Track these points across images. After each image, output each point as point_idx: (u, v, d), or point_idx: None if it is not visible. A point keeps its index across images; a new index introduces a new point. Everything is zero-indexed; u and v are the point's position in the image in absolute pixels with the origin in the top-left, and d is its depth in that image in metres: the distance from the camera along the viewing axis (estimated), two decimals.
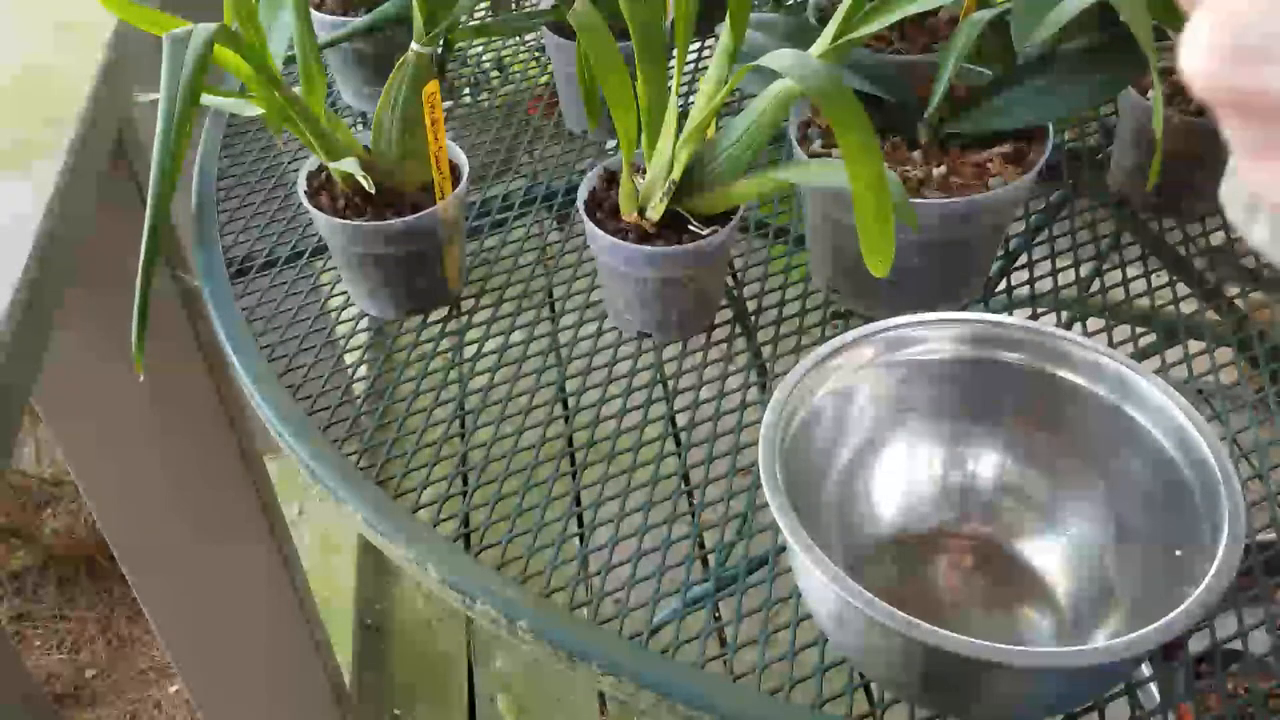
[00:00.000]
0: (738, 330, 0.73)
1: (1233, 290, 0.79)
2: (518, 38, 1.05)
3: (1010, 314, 0.61)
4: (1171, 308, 0.74)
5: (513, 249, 0.80)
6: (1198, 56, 0.23)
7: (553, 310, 0.75)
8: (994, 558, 0.55)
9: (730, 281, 0.77)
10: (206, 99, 0.63)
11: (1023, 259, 0.77)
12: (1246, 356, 0.70)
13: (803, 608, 0.55)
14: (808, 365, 0.52)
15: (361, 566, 1.47)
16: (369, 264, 0.70)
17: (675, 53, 0.62)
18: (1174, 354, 0.70)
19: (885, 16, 0.57)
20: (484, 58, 1.04)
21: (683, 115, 0.63)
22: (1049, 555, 0.54)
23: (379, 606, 1.51)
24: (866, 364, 0.54)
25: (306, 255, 0.79)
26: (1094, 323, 0.72)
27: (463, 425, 0.69)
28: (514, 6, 1.09)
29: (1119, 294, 0.74)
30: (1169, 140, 0.75)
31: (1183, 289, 0.76)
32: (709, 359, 0.70)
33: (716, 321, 0.72)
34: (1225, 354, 0.70)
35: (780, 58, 0.52)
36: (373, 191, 0.65)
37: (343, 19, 0.86)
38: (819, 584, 0.45)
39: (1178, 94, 0.75)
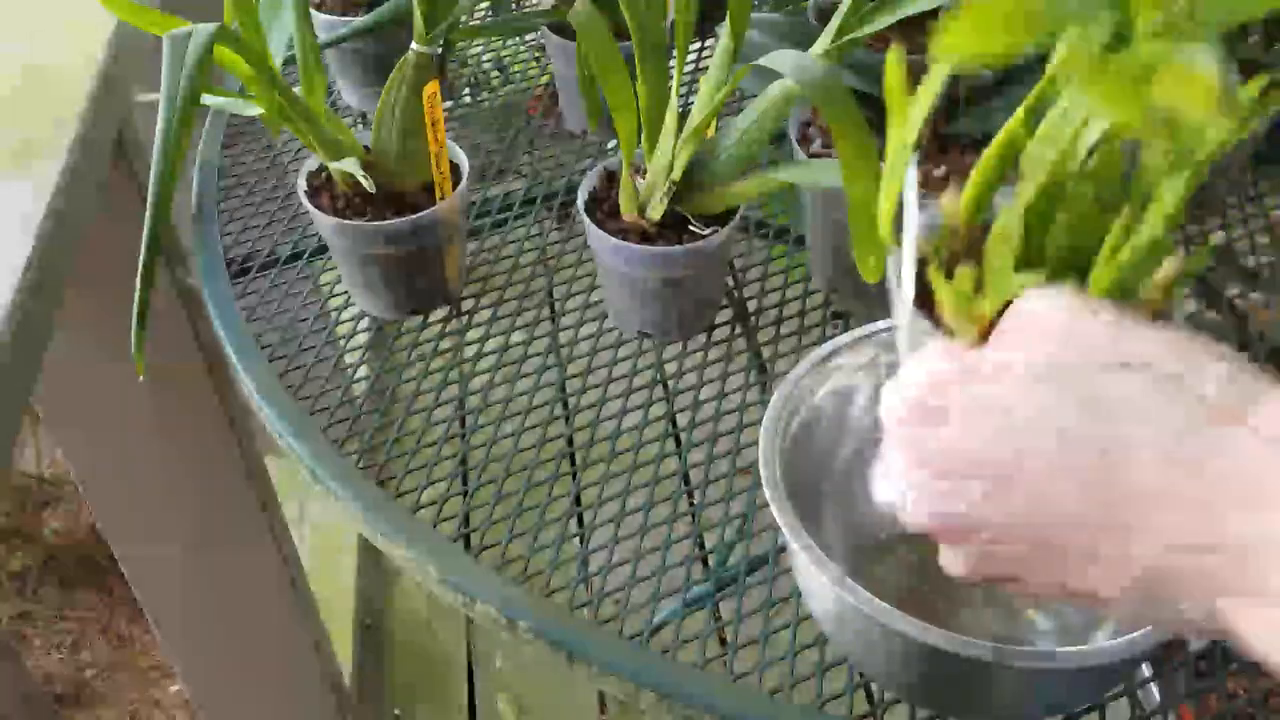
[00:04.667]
0: (738, 330, 0.73)
1: (1233, 290, 0.79)
2: (518, 38, 1.05)
3: None
4: None
5: (513, 249, 0.80)
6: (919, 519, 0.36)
7: (553, 310, 0.75)
8: None
9: (730, 281, 0.77)
10: (206, 99, 0.63)
11: None
12: (1246, 357, 0.70)
13: (803, 608, 0.55)
14: (808, 365, 0.52)
15: (361, 566, 1.47)
16: (369, 264, 0.70)
17: (675, 53, 0.62)
18: None
19: (885, 16, 0.57)
20: (484, 58, 1.04)
21: (683, 115, 0.63)
22: None
23: (379, 606, 1.51)
24: (866, 364, 0.54)
25: (306, 255, 0.79)
26: None
27: (463, 425, 0.69)
28: (514, 6, 1.09)
29: None
30: None
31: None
32: (709, 359, 0.70)
33: (716, 321, 0.72)
34: None
35: (780, 58, 0.52)
36: (373, 191, 0.65)
37: (343, 19, 0.86)
38: (819, 584, 0.45)
39: None
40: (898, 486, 0.36)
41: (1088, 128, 0.35)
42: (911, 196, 0.37)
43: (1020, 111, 0.38)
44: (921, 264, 0.39)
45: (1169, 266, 0.35)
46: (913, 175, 0.37)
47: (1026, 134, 0.38)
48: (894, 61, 0.37)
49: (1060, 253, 0.38)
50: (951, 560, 0.37)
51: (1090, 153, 0.36)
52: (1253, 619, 0.30)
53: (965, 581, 0.37)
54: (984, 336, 0.37)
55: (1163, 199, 0.34)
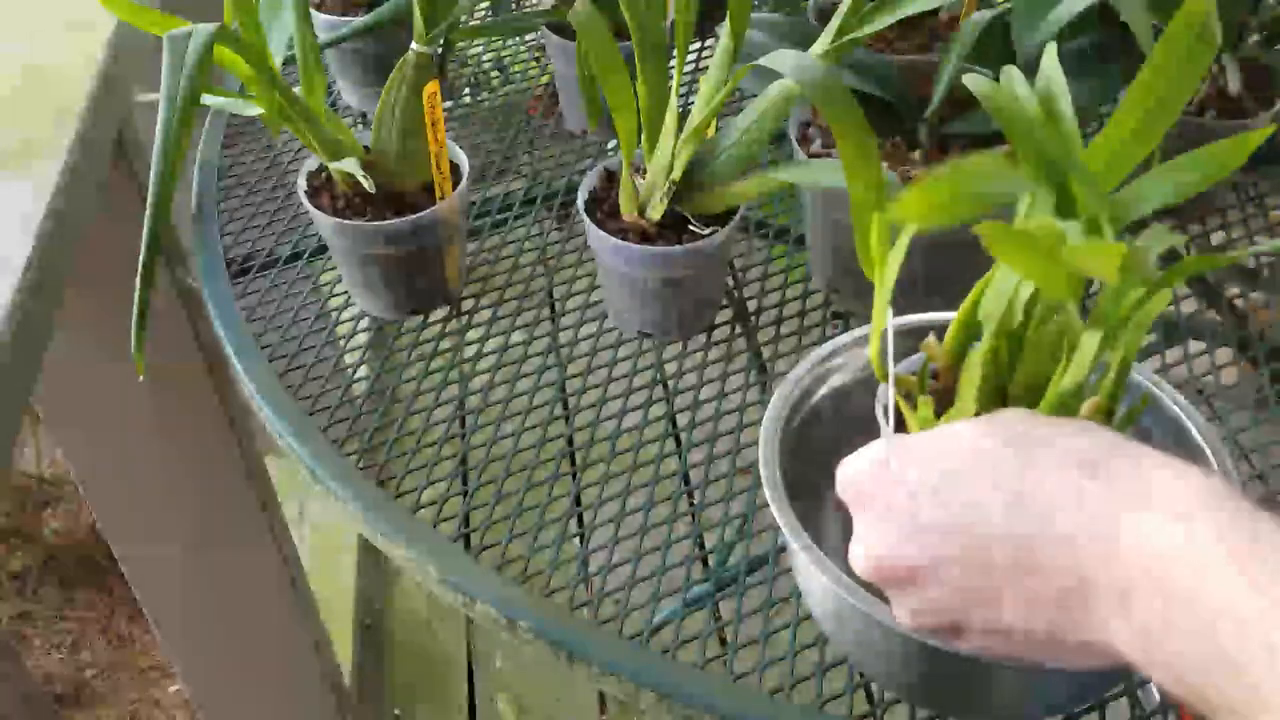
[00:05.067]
0: (738, 330, 0.73)
1: (1233, 290, 0.79)
2: (518, 38, 1.05)
3: None
4: (1171, 308, 0.74)
5: (513, 249, 0.80)
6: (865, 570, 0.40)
7: (553, 310, 0.75)
8: None
9: (730, 281, 0.77)
10: (206, 99, 0.63)
11: None
12: (1247, 356, 0.70)
13: (803, 608, 0.55)
14: (808, 365, 0.52)
15: (361, 566, 1.47)
16: (369, 264, 0.70)
17: (675, 53, 0.62)
18: (1174, 354, 0.70)
19: (885, 16, 0.57)
20: (484, 58, 1.04)
21: (683, 115, 0.63)
22: None
23: (379, 606, 1.51)
24: (866, 364, 0.54)
25: (306, 255, 0.79)
26: None
27: (463, 425, 0.69)
28: (514, 6, 1.09)
29: None
30: (1169, 140, 0.75)
31: (1183, 289, 0.76)
32: (709, 359, 0.70)
33: (716, 321, 0.72)
34: (1225, 354, 0.70)
35: (780, 58, 0.52)
36: (373, 191, 0.65)
37: (343, 19, 0.86)
38: (819, 584, 0.45)
39: None
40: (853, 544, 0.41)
41: (1023, 286, 0.42)
42: (890, 340, 0.44)
43: (982, 280, 0.45)
44: (904, 396, 0.46)
45: (1087, 407, 0.42)
46: (891, 323, 0.44)
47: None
48: (879, 229, 0.44)
49: (1021, 395, 0.44)
50: (900, 612, 0.41)
51: (1029, 307, 0.42)
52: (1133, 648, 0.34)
53: (915, 633, 0.41)
54: None
55: (1082, 351, 0.41)
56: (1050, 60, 0.43)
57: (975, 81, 0.43)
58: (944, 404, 0.46)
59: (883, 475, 0.41)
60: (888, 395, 0.45)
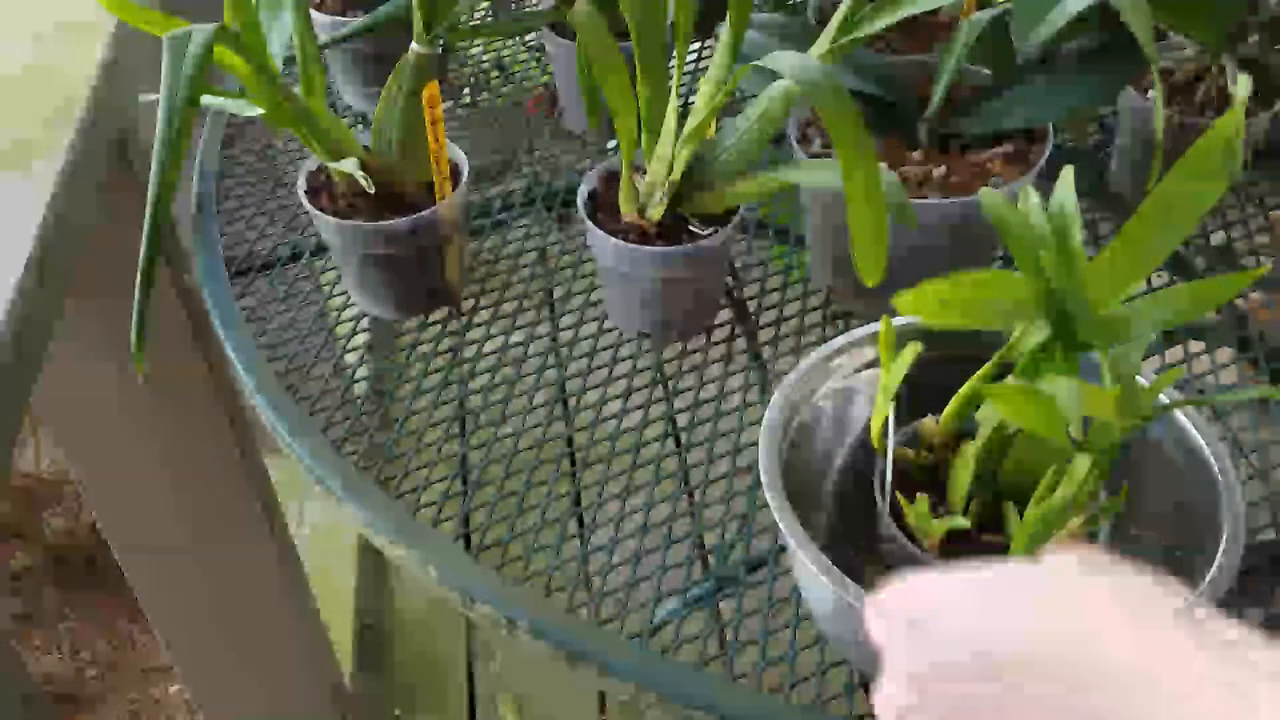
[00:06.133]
0: (738, 330, 0.73)
1: None
2: (518, 38, 1.05)
3: None
4: None
5: (513, 249, 0.80)
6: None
7: (553, 310, 0.75)
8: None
9: (730, 281, 0.77)
10: (206, 99, 0.63)
11: None
12: (1247, 357, 0.70)
13: (803, 608, 0.55)
14: (808, 365, 0.52)
15: (361, 566, 1.46)
16: (369, 264, 0.70)
17: (675, 53, 0.62)
18: (1174, 354, 0.70)
19: (885, 17, 0.57)
20: (484, 58, 1.04)
21: (683, 115, 0.63)
22: None
23: (379, 606, 1.51)
24: (866, 364, 0.54)
25: (306, 255, 0.79)
26: None
27: (463, 425, 0.69)
28: (514, 6, 1.09)
29: None
30: (1169, 140, 0.75)
31: None
32: (709, 359, 0.70)
33: (716, 321, 0.72)
34: (1225, 354, 0.70)
35: (780, 58, 0.52)
36: (373, 191, 0.65)
37: (343, 19, 0.86)
38: (819, 584, 0.45)
39: (1178, 94, 0.75)
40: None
41: None
42: (890, 431, 0.48)
43: (983, 370, 0.49)
44: (902, 473, 0.50)
45: (1074, 522, 0.44)
46: (891, 420, 0.48)
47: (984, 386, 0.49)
48: (887, 330, 0.47)
49: (1009, 483, 0.48)
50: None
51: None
52: None
53: None
54: (934, 548, 0.47)
55: (1074, 472, 0.44)
56: (1065, 183, 0.44)
57: (990, 197, 0.45)
58: (935, 478, 0.50)
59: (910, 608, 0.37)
60: (885, 477, 0.48)
